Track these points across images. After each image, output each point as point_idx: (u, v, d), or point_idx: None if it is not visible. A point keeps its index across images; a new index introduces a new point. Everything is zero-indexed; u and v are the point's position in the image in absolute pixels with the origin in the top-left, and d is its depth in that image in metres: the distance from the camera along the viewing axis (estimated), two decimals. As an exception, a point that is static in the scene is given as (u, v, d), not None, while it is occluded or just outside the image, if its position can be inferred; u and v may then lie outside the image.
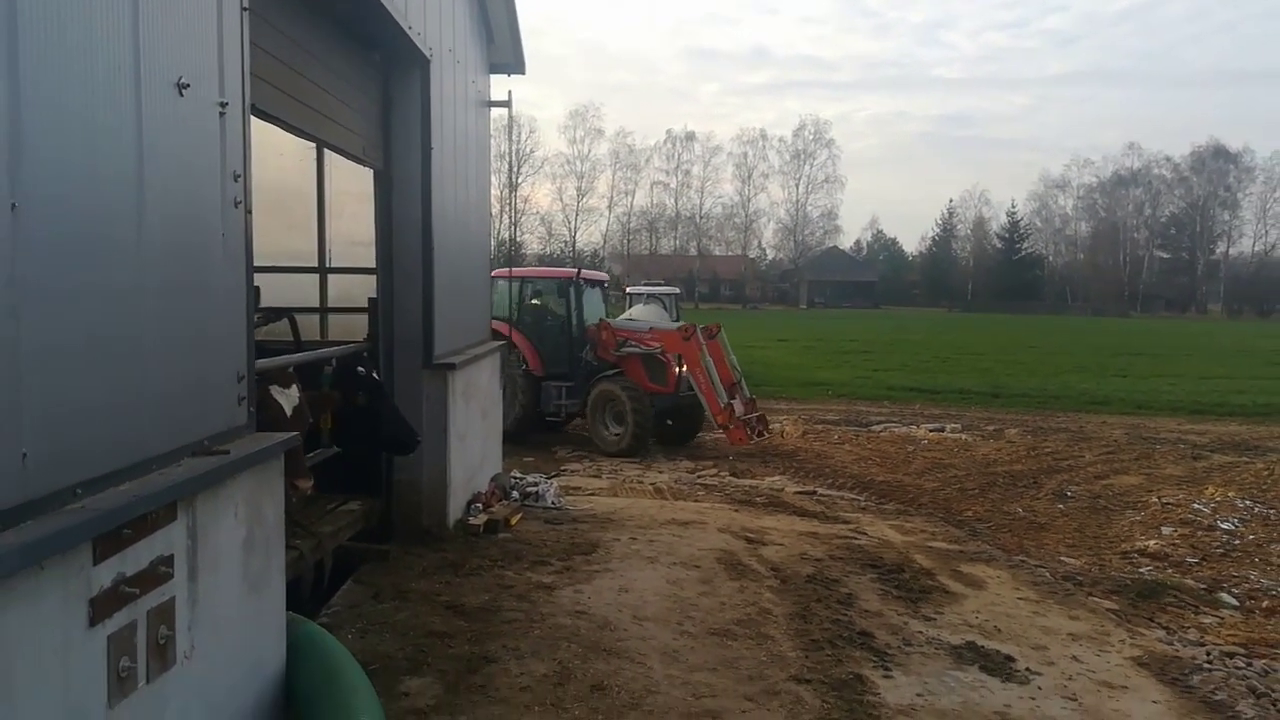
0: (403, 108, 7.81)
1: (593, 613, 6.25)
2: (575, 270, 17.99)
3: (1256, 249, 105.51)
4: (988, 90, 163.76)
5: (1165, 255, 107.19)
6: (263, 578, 3.83)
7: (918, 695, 5.31)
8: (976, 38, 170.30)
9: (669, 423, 16.40)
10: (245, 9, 3.91)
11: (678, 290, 20.70)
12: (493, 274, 17.95)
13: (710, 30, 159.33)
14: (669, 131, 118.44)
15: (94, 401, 2.77)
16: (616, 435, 15.80)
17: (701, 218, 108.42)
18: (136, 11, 3.03)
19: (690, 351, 15.70)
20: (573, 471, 14.26)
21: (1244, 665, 6.61)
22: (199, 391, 3.50)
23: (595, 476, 13.82)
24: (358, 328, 8.03)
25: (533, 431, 16.61)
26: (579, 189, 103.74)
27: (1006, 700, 5.34)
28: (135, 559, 2.81)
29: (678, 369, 15.97)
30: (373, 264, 8.20)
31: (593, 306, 17.87)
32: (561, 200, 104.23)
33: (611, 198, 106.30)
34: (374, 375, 6.93)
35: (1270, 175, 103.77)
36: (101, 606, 2.61)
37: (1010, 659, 5.96)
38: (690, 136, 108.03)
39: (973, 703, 5.27)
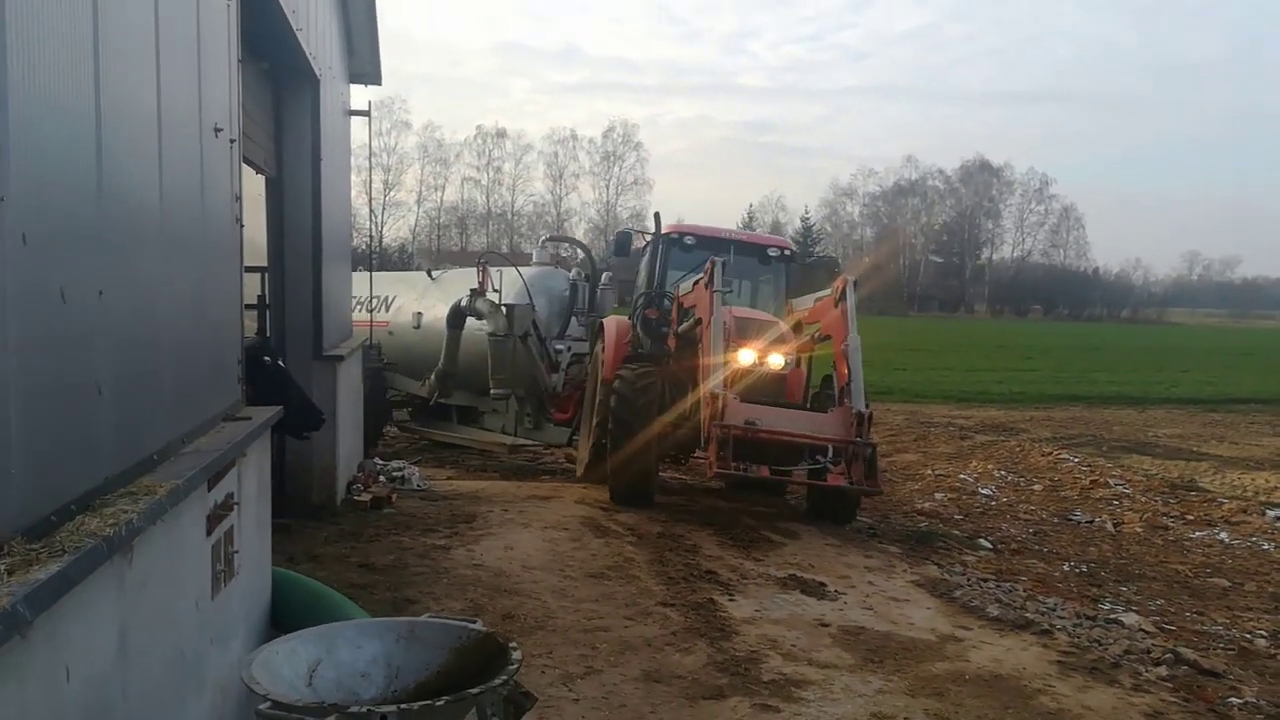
0: (294, 120, 8.55)
1: (487, 565, 7.36)
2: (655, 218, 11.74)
3: (1015, 255, 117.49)
4: (787, 100, 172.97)
5: (939, 260, 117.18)
6: (263, 520, 4.76)
7: (756, 611, 6.78)
8: (778, 49, 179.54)
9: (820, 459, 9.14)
10: (240, 61, 4.80)
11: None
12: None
13: (520, 24, 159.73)
14: (479, 127, 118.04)
15: (187, 369, 3.69)
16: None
17: (513, 215, 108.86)
18: (199, 78, 3.93)
19: (700, 300, 9.67)
20: (416, 462, 15.05)
21: (994, 586, 8.52)
22: (221, 369, 4.40)
23: (440, 466, 14.70)
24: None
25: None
26: (386, 182, 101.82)
27: (822, 612, 6.90)
28: (222, 491, 3.74)
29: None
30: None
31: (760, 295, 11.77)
32: (367, 193, 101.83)
33: (420, 192, 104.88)
34: (279, 363, 7.71)
35: (1027, 189, 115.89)
36: (211, 522, 3.55)
37: (823, 585, 7.55)
38: (501, 133, 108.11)
39: (798, 614, 6.79)
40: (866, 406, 9.01)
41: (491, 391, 13.11)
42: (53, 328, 2.40)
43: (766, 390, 9.69)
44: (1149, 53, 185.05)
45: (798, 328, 10.71)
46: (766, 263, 11.79)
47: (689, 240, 11.42)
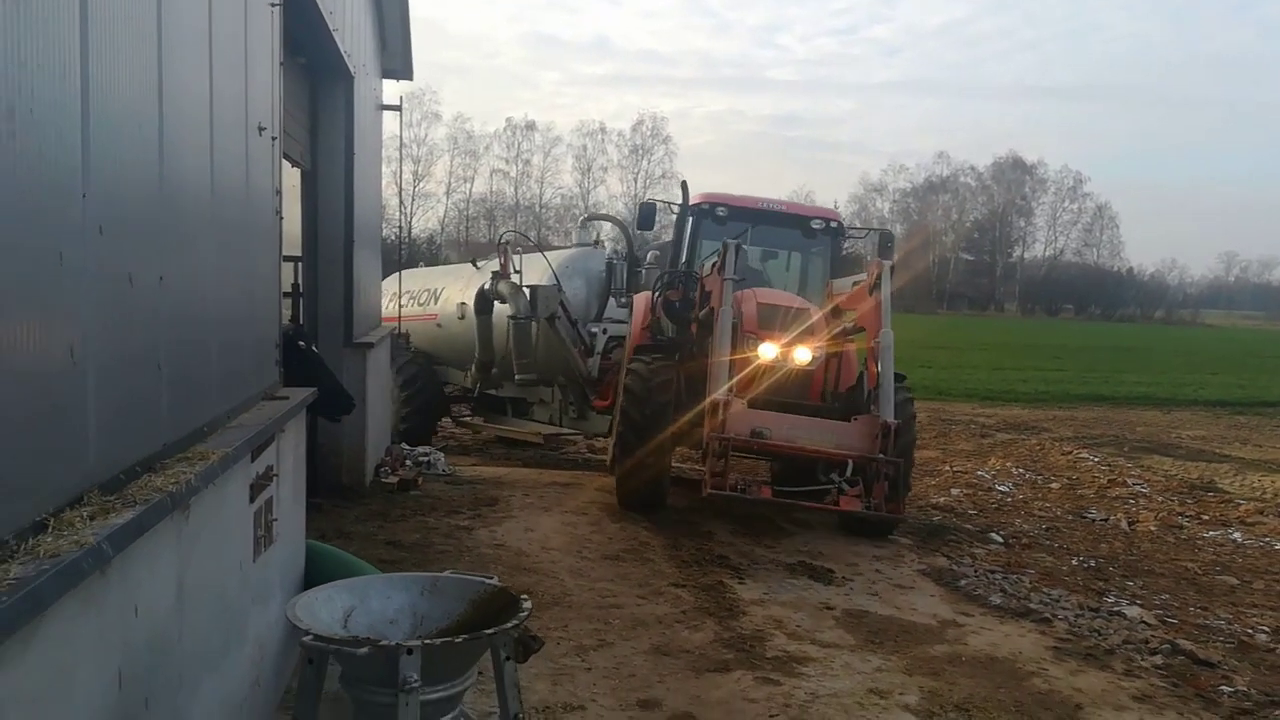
0: (329, 116, 8.91)
1: (508, 545, 7.69)
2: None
3: (1047, 254, 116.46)
4: (817, 94, 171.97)
5: (969, 257, 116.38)
6: (298, 494, 5.10)
7: (764, 593, 7.06)
8: (809, 42, 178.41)
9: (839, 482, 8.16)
10: (281, 64, 5.12)
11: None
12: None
13: (551, 17, 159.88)
14: (509, 120, 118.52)
15: (232, 349, 4.02)
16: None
17: (541, 208, 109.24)
18: (245, 81, 4.25)
19: (714, 288, 8.96)
20: (441, 448, 15.42)
21: (1001, 577, 8.72)
22: (262, 351, 4.74)
23: (464, 454, 15.07)
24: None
25: None
26: (415, 173, 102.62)
27: (828, 596, 7.16)
28: (263, 464, 4.07)
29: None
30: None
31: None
32: (397, 184, 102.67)
33: (449, 184, 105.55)
34: (312, 348, 8.07)
35: (1060, 186, 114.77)
36: (254, 490, 3.88)
37: (831, 571, 7.80)
38: (531, 126, 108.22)
39: (804, 598, 7.06)
40: (897, 415, 8.04)
41: (516, 377, 12.55)
42: (122, 309, 2.72)
43: (789, 389, 8.84)
44: (1185, 49, 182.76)
45: (836, 313, 9.62)
46: (811, 236, 10.74)
47: (721, 211, 10.41)
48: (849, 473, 8.08)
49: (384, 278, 13.49)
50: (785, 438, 8.05)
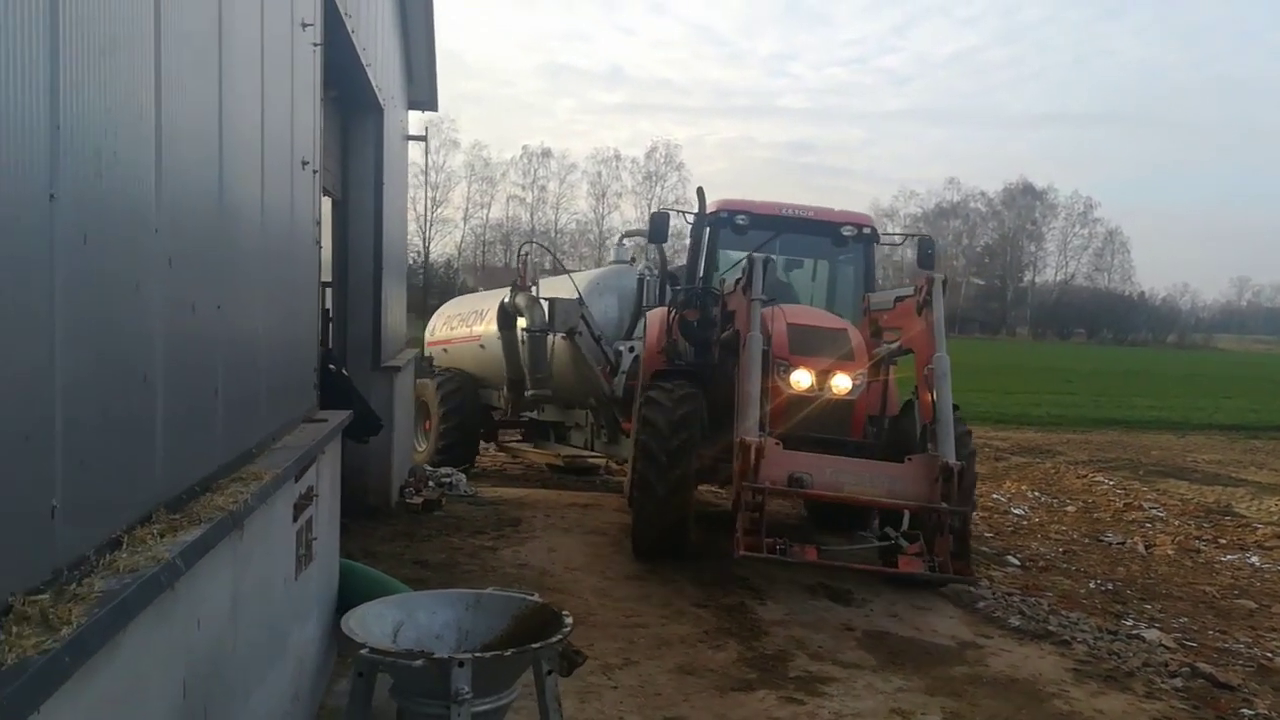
0: (359, 147, 9.13)
1: (532, 565, 7.81)
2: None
3: (1058, 278, 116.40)
4: (829, 121, 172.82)
5: (980, 282, 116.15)
6: (334, 513, 5.24)
7: (786, 614, 7.14)
8: (820, 71, 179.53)
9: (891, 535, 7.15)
10: (323, 99, 5.31)
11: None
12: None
13: (567, 47, 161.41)
14: (525, 147, 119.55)
15: (278, 374, 4.17)
16: None
17: (556, 233, 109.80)
18: (291, 121, 4.43)
19: (739, 309, 7.89)
20: (462, 469, 15.55)
21: (1019, 600, 8.77)
22: (302, 376, 4.89)
23: (484, 477, 15.17)
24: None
25: None
26: (434, 199, 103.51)
27: (849, 617, 7.23)
28: (305, 484, 4.21)
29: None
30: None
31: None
32: (415, 210, 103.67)
33: (467, 209, 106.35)
34: (343, 371, 8.24)
35: (1070, 212, 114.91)
36: (297, 509, 4.02)
37: (850, 592, 7.87)
38: (546, 153, 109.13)
39: (825, 618, 7.14)
40: (960, 458, 6.73)
41: (528, 393, 12.11)
42: (186, 336, 2.87)
43: (828, 422, 7.78)
44: (1196, 74, 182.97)
45: (876, 332, 8.67)
46: (841, 244, 9.75)
47: (741, 219, 9.50)
48: (905, 525, 7.05)
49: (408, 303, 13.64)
50: (829, 484, 6.83)
